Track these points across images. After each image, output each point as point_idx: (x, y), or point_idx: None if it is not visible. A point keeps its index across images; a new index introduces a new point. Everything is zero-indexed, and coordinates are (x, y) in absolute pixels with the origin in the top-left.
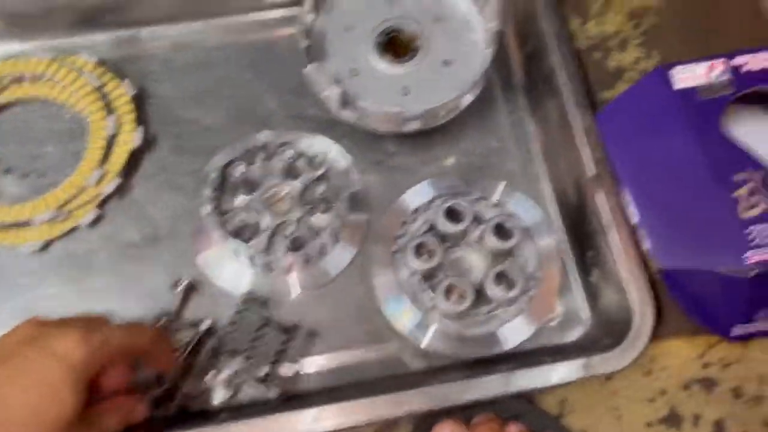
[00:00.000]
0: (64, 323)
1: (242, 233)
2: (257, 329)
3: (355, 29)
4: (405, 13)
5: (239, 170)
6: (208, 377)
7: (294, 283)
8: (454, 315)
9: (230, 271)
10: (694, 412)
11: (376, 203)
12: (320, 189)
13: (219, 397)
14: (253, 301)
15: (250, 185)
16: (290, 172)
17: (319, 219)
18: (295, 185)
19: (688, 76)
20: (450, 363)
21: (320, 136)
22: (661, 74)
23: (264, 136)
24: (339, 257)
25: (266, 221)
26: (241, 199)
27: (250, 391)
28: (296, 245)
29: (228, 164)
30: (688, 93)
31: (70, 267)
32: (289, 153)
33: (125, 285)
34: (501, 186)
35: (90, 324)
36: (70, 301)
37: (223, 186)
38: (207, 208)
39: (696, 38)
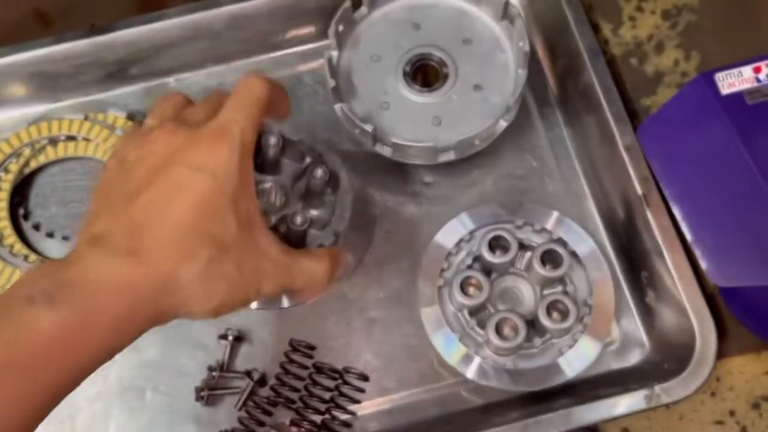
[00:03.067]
0: (198, 123)
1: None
2: (309, 375)
3: (382, 60)
4: (432, 39)
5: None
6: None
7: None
8: (507, 350)
9: None
10: None
11: (417, 236)
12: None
13: None
14: (300, 346)
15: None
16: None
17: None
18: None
19: (734, 80)
20: (506, 398)
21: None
22: (704, 81)
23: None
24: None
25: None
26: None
27: None
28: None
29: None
30: (735, 98)
31: None
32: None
33: (173, 338)
34: (554, 216)
35: (214, 121)
36: (120, 357)
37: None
38: None
39: (736, 35)
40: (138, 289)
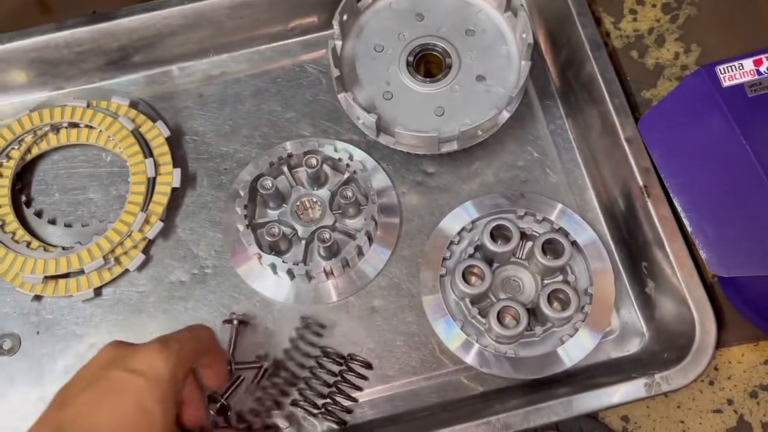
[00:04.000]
0: (142, 344)
1: (278, 245)
2: (315, 359)
3: (386, 50)
4: (435, 30)
5: (267, 184)
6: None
7: (334, 289)
8: (509, 338)
9: (271, 282)
10: (764, 421)
11: (420, 226)
12: (348, 193)
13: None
14: (307, 329)
15: (280, 198)
16: (317, 180)
17: (352, 222)
18: (324, 193)
19: (735, 73)
20: (507, 385)
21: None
22: (705, 73)
23: (288, 147)
24: (376, 258)
25: (300, 231)
26: (273, 212)
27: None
28: (333, 251)
29: (256, 179)
30: (736, 91)
31: (122, 312)
32: (314, 161)
33: (177, 325)
34: (555, 206)
35: (161, 338)
36: None
37: (255, 201)
38: (241, 226)
39: (736, 28)
40: None
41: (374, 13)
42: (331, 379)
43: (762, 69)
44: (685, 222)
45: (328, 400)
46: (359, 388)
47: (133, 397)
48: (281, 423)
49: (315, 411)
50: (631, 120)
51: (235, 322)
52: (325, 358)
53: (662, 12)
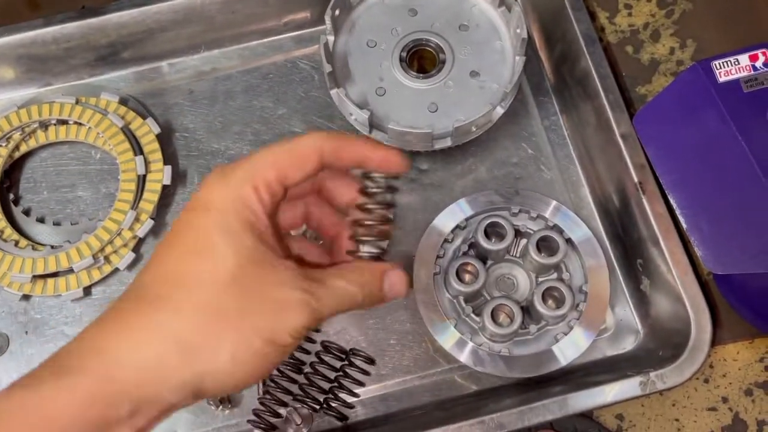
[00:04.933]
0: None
1: None
2: (316, 354)
3: (378, 45)
4: (428, 25)
5: None
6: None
7: None
8: (503, 336)
9: None
10: (759, 419)
11: (413, 223)
12: None
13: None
14: None
15: None
16: None
17: None
18: None
19: (731, 68)
20: (501, 384)
21: None
22: (700, 68)
23: None
24: None
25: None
26: None
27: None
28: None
29: None
30: (731, 86)
31: None
32: None
33: None
34: (549, 203)
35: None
36: None
37: None
38: None
39: (732, 23)
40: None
41: (367, 8)
42: (332, 375)
43: (758, 64)
44: (681, 219)
45: (330, 395)
46: (361, 384)
47: (194, 235)
48: (295, 419)
49: (317, 407)
50: (626, 116)
51: None
52: (326, 354)
53: (657, 6)
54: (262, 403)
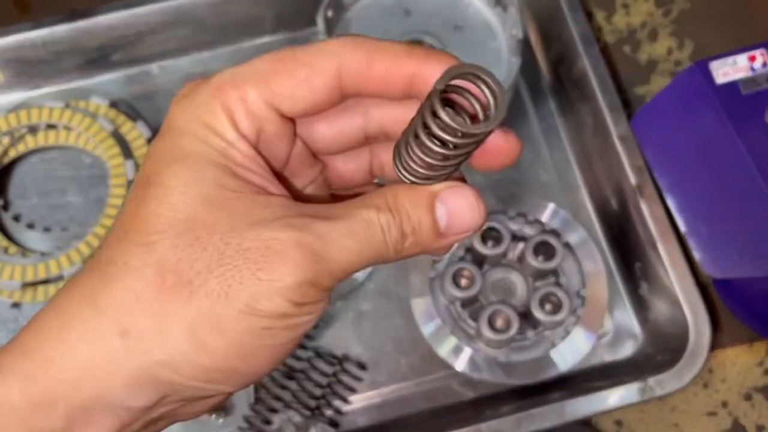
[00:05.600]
0: None
1: None
2: (307, 359)
3: None
4: (423, 26)
5: None
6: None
7: None
8: (500, 342)
9: None
10: (758, 423)
11: None
12: None
13: None
14: None
15: None
16: None
17: None
18: None
19: (729, 69)
20: (499, 391)
21: None
22: (698, 69)
23: None
24: None
25: None
26: None
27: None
28: None
29: None
30: (729, 88)
31: None
32: None
33: None
34: (547, 207)
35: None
36: None
37: None
38: None
39: (730, 23)
40: None
41: (360, 9)
42: (323, 380)
43: (756, 65)
44: (679, 222)
45: (322, 401)
46: (353, 390)
47: (143, 169)
48: (288, 429)
49: (308, 413)
50: (624, 118)
51: None
52: (318, 359)
53: (655, 6)
54: (253, 410)
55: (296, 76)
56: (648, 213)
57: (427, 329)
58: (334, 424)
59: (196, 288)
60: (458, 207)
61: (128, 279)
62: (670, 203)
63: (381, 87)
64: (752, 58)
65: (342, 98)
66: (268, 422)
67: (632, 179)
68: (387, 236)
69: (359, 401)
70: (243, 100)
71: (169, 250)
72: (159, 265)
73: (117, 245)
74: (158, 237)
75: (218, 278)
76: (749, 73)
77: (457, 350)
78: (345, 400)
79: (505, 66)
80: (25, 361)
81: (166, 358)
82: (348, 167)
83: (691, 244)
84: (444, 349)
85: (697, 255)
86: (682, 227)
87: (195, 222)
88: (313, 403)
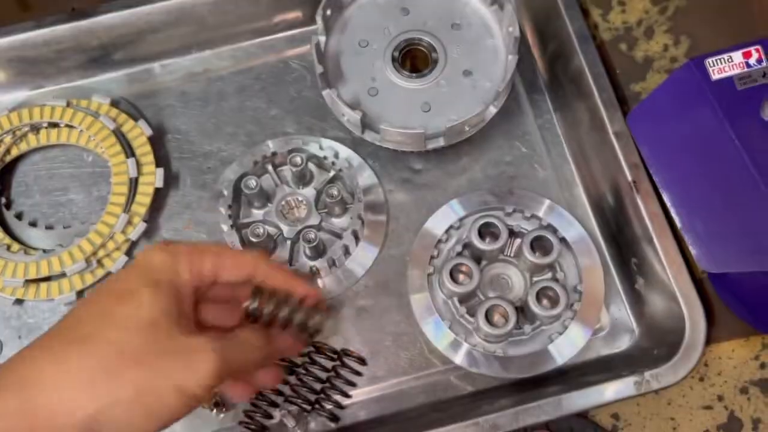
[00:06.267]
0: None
1: (263, 246)
2: (306, 354)
3: (370, 45)
4: (420, 24)
5: (251, 183)
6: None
7: (321, 289)
8: (497, 337)
9: None
10: (754, 416)
11: (407, 224)
12: (334, 191)
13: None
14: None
15: (264, 197)
16: (302, 179)
17: (338, 221)
18: (309, 192)
19: (724, 65)
20: (496, 385)
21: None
22: (694, 66)
23: (271, 145)
24: (363, 257)
25: (285, 231)
26: (258, 212)
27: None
28: (319, 251)
29: (239, 178)
30: (725, 84)
31: None
32: (298, 159)
33: None
34: (543, 203)
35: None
36: None
37: (239, 200)
38: (225, 226)
39: (726, 20)
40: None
41: (358, 8)
42: (323, 375)
43: (751, 61)
44: (675, 218)
45: (322, 396)
46: (353, 384)
47: (124, 283)
48: (288, 422)
49: (308, 407)
50: (620, 114)
51: None
52: (317, 354)
53: (651, 3)
54: (253, 405)
55: (233, 266)
56: (644, 209)
57: (425, 324)
58: (334, 418)
59: (150, 363)
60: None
61: (104, 338)
62: (666, 199)
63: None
64: (747, 55)
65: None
66: (269, 416)
67: (628, 175)
68: (262, 351)
69: (359, 395)
70: (200, 265)
71: (137, 333)
72: (129, 339)
73: (97, 317)
74: (129, 325)
75: (164, 361)
76: (745, 69)
77: (455, 345)
78: (345, 395)
79: (502, 63)
80: (18, 387)
81: (112, 409)
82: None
83: (687, 239)
84: (442, 344)
85: (692, 250)
86: (678, 222)
87: (157, 325)
88: (313, 397)
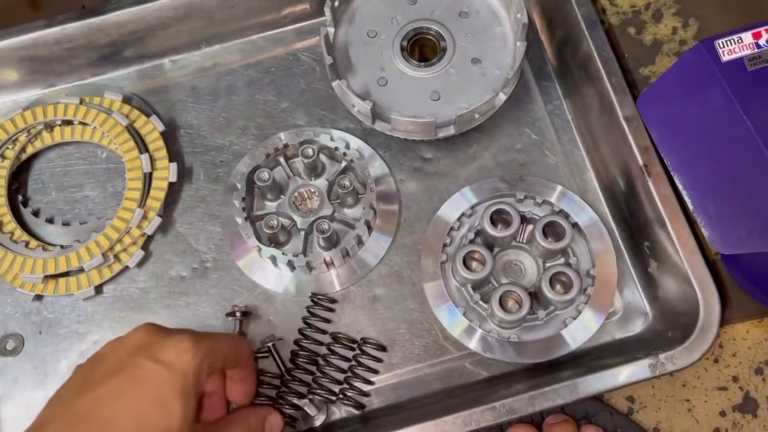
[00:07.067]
0: (175, 331)
1: (277, 237)
2: (327, 345)
3: (379, 35)
4: (428, 13)
5: (264, 176)
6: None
7: (335, 279)
8: (511, 322)
9: (272, 274)
10: None
11: (419, 212)
12: (346, 182)
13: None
14: (317, 305)
15: (277, 189)
16: (314, 170)
17: (351, 211)
18: (321, 182)
19: (734, 47)
20: (511, 370)
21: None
22: (704, 48)
23: (283, 138)
24: (376, 246)
25: (299, 222)
26: (271, 204)
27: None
28: (332, 242)
29: (252, 171)
30: (735, 65)
31: (123, 309)
32: (310, 151)
33: (180, 320)
34: (554, 189)
35: (197, 332)
36: None
37: (252, 193)
38: (239, 219)
39: (734, 2)
40: None
41: None
42: (345, 365)
43: (761, 42)
44: (687, 200)
45: (345, 385)
46: (375, 371)
47: (156, 389)
48: (310, 411)
49: (332, 398)
50: (630, 98)
51: (238, 314)
52: (337, 344)
53: None
54: (280, 397)
55: (236, 356)
56: (655, 192)
57: (439, 312)
58: (359, 405)
59: None
60: (273, 423)
61: None
62: (678, 181)
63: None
64: (757, 35)
65: None
66: (296, 407)
67: (639, 159)
68: None
69: (375, 383)
70: (215, 364)
71: None
72: None
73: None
74: None
75: None
76: (755, 50)
77: (469, 331)
78: (368, 382)
79: (511, 50)
80: None
81: None
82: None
83: (699, 221)
84: (457, 331)
85: (705, 232)
86: (690, 205)
87: None
88: (336, 387)
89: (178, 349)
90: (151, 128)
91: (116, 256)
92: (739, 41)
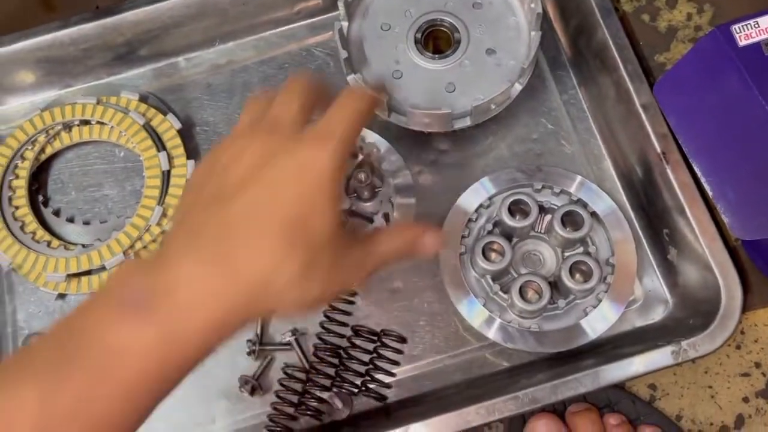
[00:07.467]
0: (292, 133)
1: None
2: (348, 338)
3: (393, 28)
4: (442, 4)
5: None
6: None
7: None
8: (532, 312)
9: None
10: None
11: (436, 204)
12: (362, 176)
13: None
14: (338, 299)
15: None
16: None
17: (368, 205)
18: None
19: (751, 31)
20: (532, 360)
21: None
22: (720, 33)
23: None
24: None
25: None
26: None
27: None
28: None
29: None
30: (752, 50)
31: None
32: None
33: None
34: (572, 178)
35: (318, 129)
36: None
37: None
38: None
39: None
40: (231, 297)
41: None
42: (366, 357)
43: None
44: (706, 186)
45: (367, 378)
46: (396, 363)
47: (307, 195)
48: (336, 404)
49: (355, 390)
50: (646, 86)
51: None
52: (358, 338)
53: None
54: (306, 391)
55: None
56: (674, 179)
57: (459, 303)
58: (381, 398)
59: (328, 274)
60: (430, 239)
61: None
62: (696, 168)
63: None
64: None
65: None
66: (320, 400)
67: (657, 146)
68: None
69: (396, 375)
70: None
71: (322, 248)
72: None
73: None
74: (318, 241)
75: (336, 273)
76: None
77: (489, 322)
78: (390, 374)
79: (525, 41)
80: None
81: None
82: None
83: (719, 207)
84: (477, 322)
85: (725, 218)
86: (709, 191)
87: (334, 240)
88: (358, 379)
89: (317, 156)
90: (168, 126)
91: (137, 254)
92: (756, 26)
